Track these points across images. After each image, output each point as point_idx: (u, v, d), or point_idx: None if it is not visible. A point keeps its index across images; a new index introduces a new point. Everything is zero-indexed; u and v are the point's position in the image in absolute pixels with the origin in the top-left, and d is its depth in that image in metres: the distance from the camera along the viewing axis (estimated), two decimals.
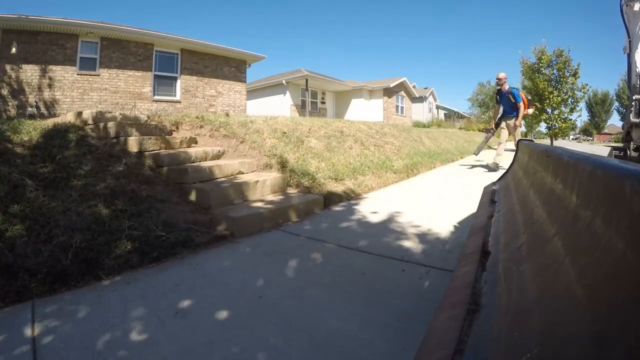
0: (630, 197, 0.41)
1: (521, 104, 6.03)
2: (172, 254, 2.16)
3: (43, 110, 8.68)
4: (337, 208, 3.47)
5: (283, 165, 4.03)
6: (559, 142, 20.66)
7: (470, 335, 0.61)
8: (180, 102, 10.85)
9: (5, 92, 8.46)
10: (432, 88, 29.76)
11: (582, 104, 19.49)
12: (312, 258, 2.16)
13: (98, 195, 2.48)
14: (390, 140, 7.11)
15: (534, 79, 16.10)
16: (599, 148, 18.13)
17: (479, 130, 24.78)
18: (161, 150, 3.72)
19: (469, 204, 3.25)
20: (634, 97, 5.41)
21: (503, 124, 6.44)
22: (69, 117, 4.47)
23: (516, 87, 6.21)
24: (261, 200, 3.20)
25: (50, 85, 8.92)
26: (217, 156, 4.09)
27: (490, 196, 1.87)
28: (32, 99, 8.71)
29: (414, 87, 24.82)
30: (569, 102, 16.04)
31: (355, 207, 3.50)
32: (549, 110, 16.30)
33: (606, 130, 55.75)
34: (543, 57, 15.70)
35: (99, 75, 9.60)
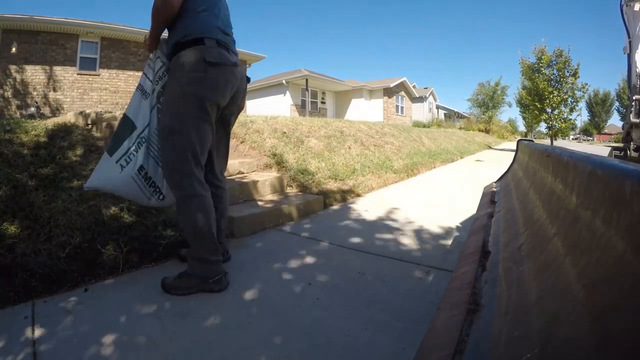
0: (630, 197, 0.41)
1: None
2: (172, 253, 2.16)
3: (43, 110, 8.68)
4: (337, 208, 3.47)
5: (283, 165, 4.03)
6: (559, 142, 20.67)
7: (470, 335, 0.61)
8: None
9: (5, 92, 8.46)
10: (432, 88, 29.78)
11: (582, 104, 19.53)
12: (312, 258, 2.16)
13: (98, 195, 2.48)
14: (390, 140, 7.11)
15: (533, 79, 16.11)
16: (599, 148, 18.14)
17: (479, 130, 24.79)
18: None
19: (469, 204, 3.25)
20: (634, 97, 5.42)
21: None
22: (69, 117, 4.47)
23: None
24: (261, 200, 3.20)
25: (50, 85, 8.92)
26: None
27: (490, 196, 1.87)
28: (32, 99, 8.71)
29: (414, 87, 24.84)
30: (569, 102, 16.05)
31: (355, 207, 3.50)
32: (549, 110, 16.30)
33: (606, 130, 55.78)
34: (543, 57, 15.72)
35: (99, 75, 9.60)
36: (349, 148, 5.58)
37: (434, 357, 0.62)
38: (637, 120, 5.28)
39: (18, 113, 8.24)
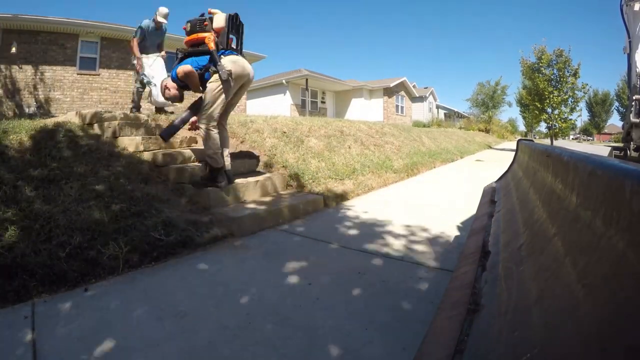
0: (630, 197, 0.41)
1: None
2: (171, 253, 2.16)
3: (43, 109, 8.67)
4: (337, 208, 3.47)
5: (283, 165, 4.03)
6: (559, 142, 20.66)
7: (470, 335, 0.61)
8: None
9: (5, 92, 8.45)
10: (432, 88, 29.76)
11: (582, 104, 19.53)
12: (312, 258, 2.16)
13: (98, 195, 2.48)
14: (390, 140, 7.11)
15: (534, 79, 16.09)
16: (599, 148, 18.13)
17: (479, 130, 24.77)
18: (161, 150, 3.72)
19: (469, 204, 3.25)
20: (634, 97, 5.42)
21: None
22: (69, 117, 4.47)
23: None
24: (261, 200, 3.20)
25: (50, 85, 8.92)
26: None
27: (490, 196, 1.87)
28: (32, 98, 8.72)
29: (414, 87, 24.82)
30: (569, 102, 16.03)
31: (356, 206, 3.50)
32: (549, 110, 16.29)
33: (606, 130, 55.72)
34: (543, 57, 15.69)
35: (99, 75, 9.60)
36: (349, 148, 5.57)
37: (434, 357, 0.62)
38: (637, 120, 5.28)
39: (18, 112, 8.23)
